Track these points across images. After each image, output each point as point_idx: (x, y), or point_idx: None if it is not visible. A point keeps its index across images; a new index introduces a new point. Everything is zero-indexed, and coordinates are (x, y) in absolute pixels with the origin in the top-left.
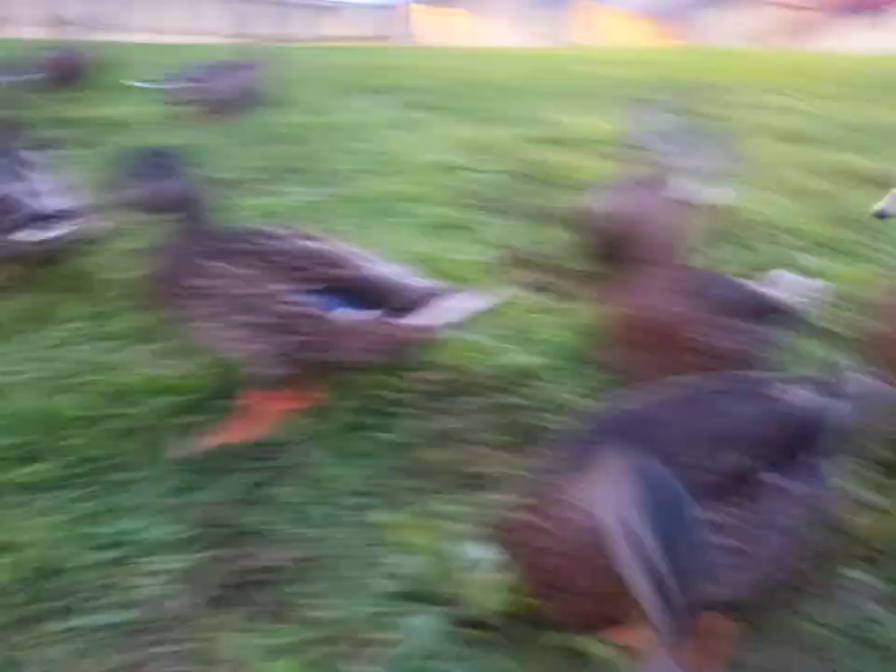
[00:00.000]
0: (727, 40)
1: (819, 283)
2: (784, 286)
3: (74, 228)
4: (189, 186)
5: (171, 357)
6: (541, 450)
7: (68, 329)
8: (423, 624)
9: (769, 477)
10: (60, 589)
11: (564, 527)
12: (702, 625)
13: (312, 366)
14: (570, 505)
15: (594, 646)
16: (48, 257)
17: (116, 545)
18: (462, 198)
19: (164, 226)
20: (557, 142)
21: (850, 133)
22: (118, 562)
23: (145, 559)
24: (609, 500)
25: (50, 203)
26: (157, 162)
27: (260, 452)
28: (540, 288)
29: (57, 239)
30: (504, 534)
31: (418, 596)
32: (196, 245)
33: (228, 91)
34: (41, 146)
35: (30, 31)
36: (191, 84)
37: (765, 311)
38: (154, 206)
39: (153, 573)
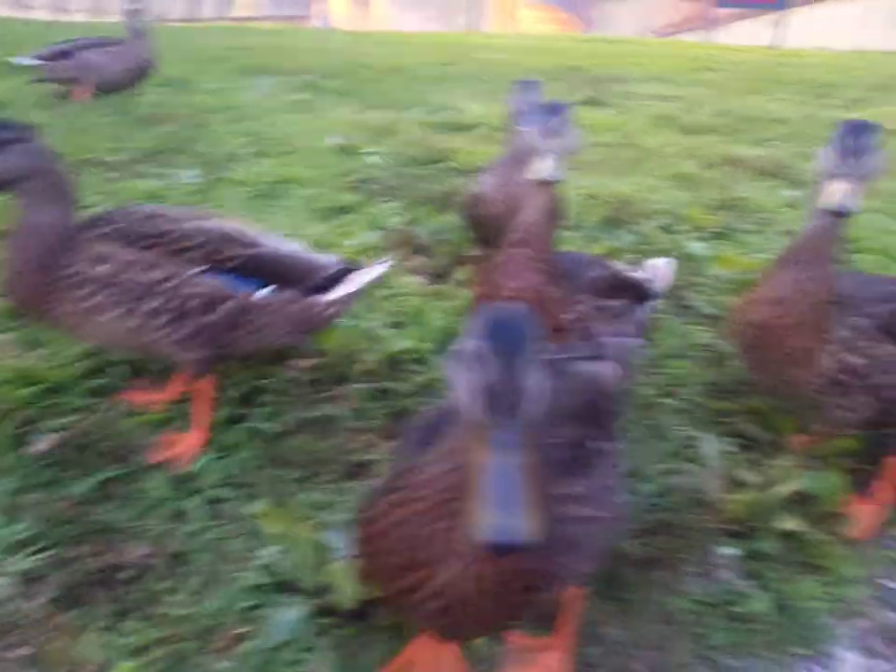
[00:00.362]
0: (631, 31)
1: (671, 266)
2: (654, 270)
3: None
4: (36, 161)
5: (29, 347)
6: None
7: None
8: (287, 615)
9: (593, 445)
10: None
11: (389, 515)
12: (560, 599)
13: (227, 352)
14: (400, 492)
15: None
16: None
17: None
18: (358, 182)
19: (14, 205)
20: (458, 127)
21: (741, 124)
22: None
23: None
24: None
25: None
26: None
27: (131, 446)
28: (437, 275)
29: None
30: (353, 523)
31: (288, 588)
32: (67, 228)
33: (115, 69)
34: None
35: None
36: (76, 61)
37: (628, 291)
38: None
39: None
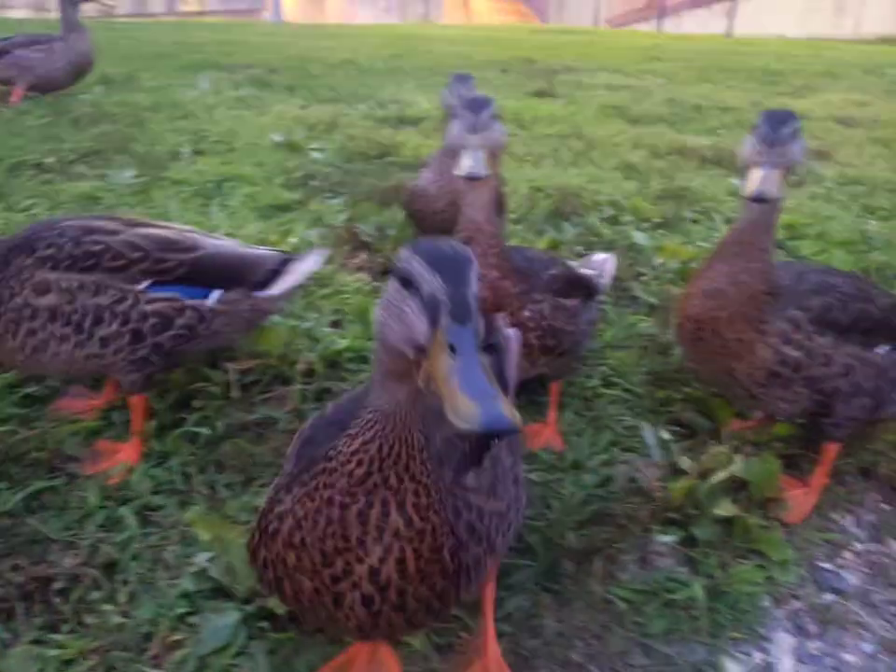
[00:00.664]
0: (588, 21)
1: (613, 261)
2: (600, 265)
3: None
4: None
5: None
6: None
7: None
8: (222, 621)
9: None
10: None
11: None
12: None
13: (175, 361)
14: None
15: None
16: None
17: None
18: (302, 179)
19: None
20: (405, 121)
21: (690, 113)
22: None
23: None
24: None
25: None
26: None
27: (63, 456)
28: (380, 272)
29: None
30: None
31: (223, 594)
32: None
33: (51, 67)
34: None
35: None
36: (9, 59)
37: (581, 289)
38: None
39: None
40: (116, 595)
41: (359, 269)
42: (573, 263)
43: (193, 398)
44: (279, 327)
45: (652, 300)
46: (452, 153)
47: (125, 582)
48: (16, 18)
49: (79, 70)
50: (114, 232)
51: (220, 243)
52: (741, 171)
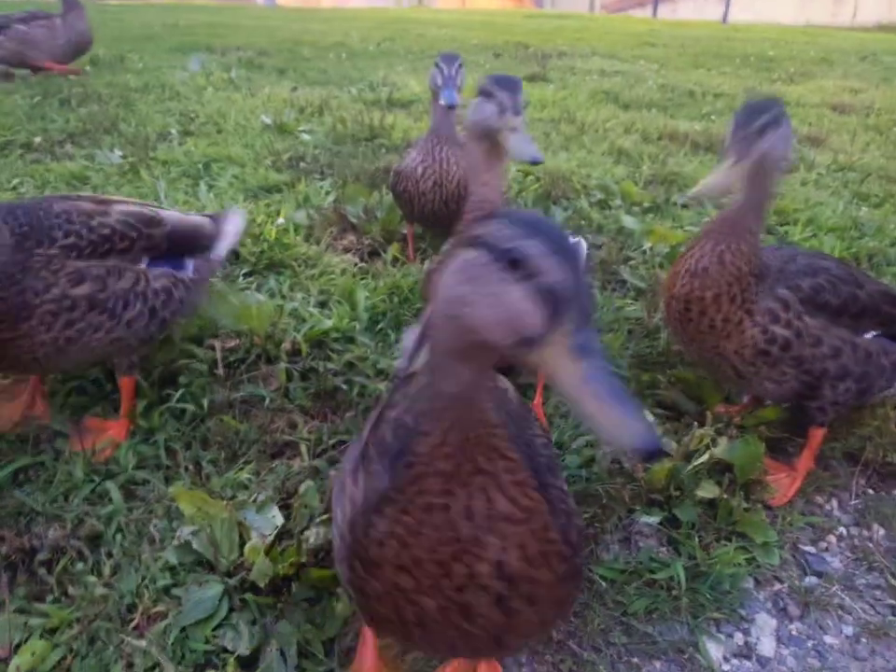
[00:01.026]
0: (583, 7)
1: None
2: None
3: None
4: None
5: None
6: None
7: None
8: (204, 593)
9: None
10: None
11: None
12: None
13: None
14: None
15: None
16: None
17: None
18: (290, 161)
19: None
20: (395, 104)
21: (682, 98)
22: None
23: None
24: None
25: None
26: None
27: (46, 432)
28: (368, 253)
29: None
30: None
31: (206, 566)
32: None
33: (52, 44)
34: None
35: None
36: (11, 35)
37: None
38: None
39: None
40: (100, 567)
41: (346, 250)
42: None
43: (179, 375)
44: (264, 306)
45: (640, 283)
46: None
47: (109, 555)
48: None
49: (78, 49)
50: (104, 213)
51: (172, 213)
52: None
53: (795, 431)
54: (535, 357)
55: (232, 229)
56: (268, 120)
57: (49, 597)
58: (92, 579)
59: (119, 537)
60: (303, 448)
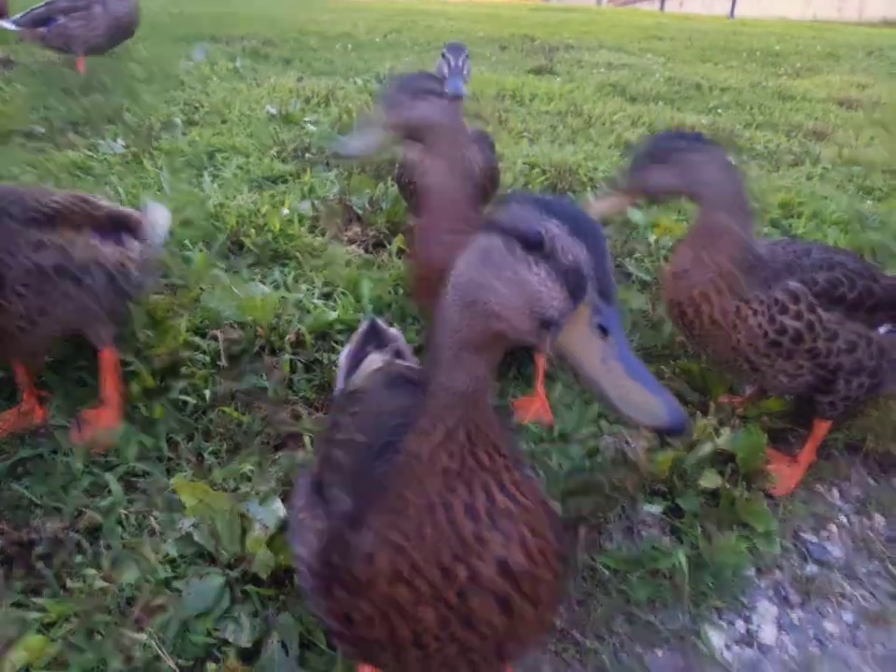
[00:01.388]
0: (589, 2)
1: None
2: None
3: None
4: None
5: None
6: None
7: None
8: (205, 585)
9: None
10: None
11: None
12: None
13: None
14: None
15: None
16: None
17: None
18: (295, 151)
19: None
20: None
21: (689, 91)
22: None
23: None
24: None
25: None
26: None
27: (49, 427)
28: (372, 244)
29: None
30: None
31: (207, 558)
32: None
33: (96, 33)
34: None
35: None
36: (55, 29)
37: None
38: None
39: None
40: (99, 560)
41: (351, 242)
42: None
43: (181, 366)
44: (268, 297)
45: (645, 276)
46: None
47: (108, 547)
48: None
49: (120, 33)
50: (50, 194)
51: (104, 200)
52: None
53: (798, 422)
54: (556, 339)
55: (161, 220)
56: (273, 111)
57: (47, 591)
58: (91, 571)
59: (118, 529)
60: (307, 439)
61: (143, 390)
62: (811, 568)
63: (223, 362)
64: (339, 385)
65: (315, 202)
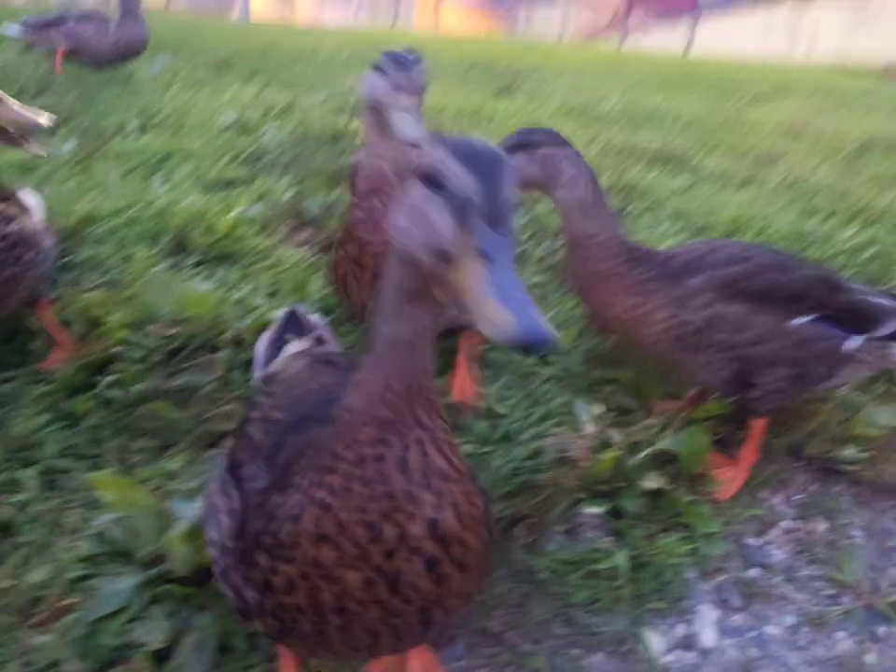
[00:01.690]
0: (550, 34)
1: None
2: None
3: None
4: None
5: None
6: None
7: None
8: (118, 585)
9: None
10: None
11: None
12: None
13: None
14: None
15: None
16: None
17: None
18: (251, 157)
19: None
20: (361, 110)
21: (645, 116)
22: None
23: None
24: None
25: None
26: None
27: None
28: (324, 247)
29: None
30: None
31: (123, 557)
32: None
33: (97, 42)
34: None
35: None
36: (64, 29)
37: None
38: None
39: None
40: (7, 558)
41: (302, 244)
42: None
43: (110, 362)
44: (208, 293)
45: None
46: (370, 107)
47: (18, 545)
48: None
49: (126, 53)
50: None
51: None
52: None
53: (740, 426)
54: (452, 274)
55: (34, 202)
56: (230, 119)
57: None
58: (8, 570)
59: (30, 526)
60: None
61: (68, 385)
62: (753, 572)
63: (156, 358)
64: (256, 374)
65: (267, 205)
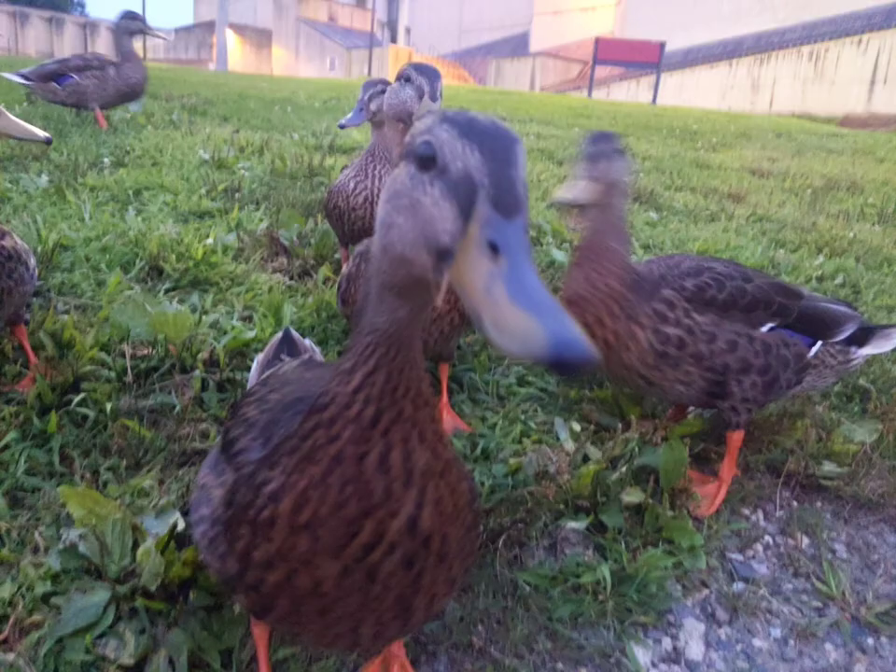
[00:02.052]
0: (520, 87)
1: None
2: None
3: None
4: None
5: None
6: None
7: None
8: (87, 601)
9: None
10: None
11: None
12: None
13: None
14: None
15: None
16: None
17: None
18: (227, 191)
19: None
20: (337, 149)
21: None
22: None
23: None
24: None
25: None
26: None
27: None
28: (298, 274)
29: None
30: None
31: (93, 573)
32: None
33: (102, 93)
34: None
35: None
36: (68, 88)
37: None
38: None
39: None
40: None
41: (276, 271)
42: None
43: (83, 381)
44: (181, 314)
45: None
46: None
47: None
48: None
49: (127, 96)
50: None
51: None
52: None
53: (718, 444)
54: (454, 276)
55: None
56: (206, 156)
57: None
58: None
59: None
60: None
61: (39, 404)
62: (738, 586)
63: (129, 378)
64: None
65: (242, 234)
